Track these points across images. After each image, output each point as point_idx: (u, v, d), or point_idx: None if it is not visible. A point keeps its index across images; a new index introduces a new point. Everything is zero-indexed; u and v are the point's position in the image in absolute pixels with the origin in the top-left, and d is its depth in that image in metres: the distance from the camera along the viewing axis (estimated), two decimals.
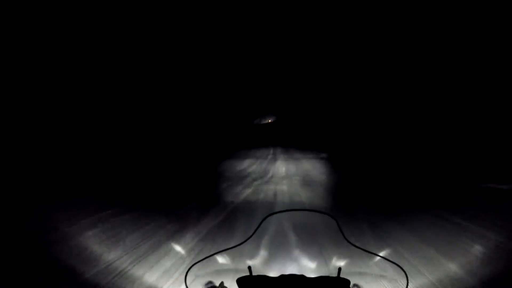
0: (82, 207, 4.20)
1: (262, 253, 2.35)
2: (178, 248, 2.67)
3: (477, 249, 2.55)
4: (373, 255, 1.28)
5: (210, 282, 1.24)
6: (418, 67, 14.09)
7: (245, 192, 5.49)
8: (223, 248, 1.32)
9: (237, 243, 1.23)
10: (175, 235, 3.08)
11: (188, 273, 1.12)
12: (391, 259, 1.19)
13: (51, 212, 3.98)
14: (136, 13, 14.25)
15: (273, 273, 1.14)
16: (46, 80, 11.46)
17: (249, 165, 9.64)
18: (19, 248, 2.72)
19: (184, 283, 1.10)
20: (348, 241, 1.12)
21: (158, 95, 16.87)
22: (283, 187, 5.90)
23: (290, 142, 18.10)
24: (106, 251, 2.59)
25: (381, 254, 1.41)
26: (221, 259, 2.08)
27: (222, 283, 1.14)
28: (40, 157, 9.66)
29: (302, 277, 1.06)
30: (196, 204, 4.57)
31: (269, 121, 16.04)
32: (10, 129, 9.40)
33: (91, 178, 7.48)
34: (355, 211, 4.00)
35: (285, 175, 7.39)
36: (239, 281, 1.06)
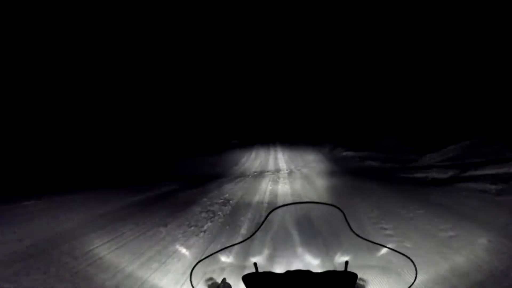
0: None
1: (267, 250, 2.32)
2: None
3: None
4: (380, 246, 1.26)
5: (211, 278, 1.22)
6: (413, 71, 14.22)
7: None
8: (228, 245, 1.30)
9: (242, 240, 1.21)
10: None
11: (194, 272, 1.10)
12: (398, 250, 1.17)
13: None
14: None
15: (279, 269, 1.12)
16: (44, 82, 11.45)
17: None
18: None
19: (190, 282, 1.08)
20: (355, 233, 1.10)
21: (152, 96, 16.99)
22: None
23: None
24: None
25: (389, 245, 1.40)
26: (224, 257, 2.06)
27: (224, 279, 1.12)
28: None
29: (308, 272, 1.04)
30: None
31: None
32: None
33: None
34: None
35: None
36: (245, 278, 1.03)
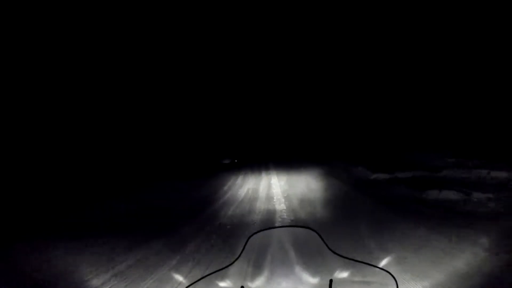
0: None
1: (252, 272, 2.29)
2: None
3: None
4: (360, 263, 1.31)
5: None
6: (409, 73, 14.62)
7: None
8: (213, 271, 1.30)
9: (226, 265, 1.22)
10: None
11: None
12: (379, 266, 1.21)
13: None
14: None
15: None
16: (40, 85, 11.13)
17: None
18: None
19: None
20: (333, 252, 1.15)
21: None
22: None
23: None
24: None
25: (370, 261, 1.44)
26: (219, 282, 2.00)
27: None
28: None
29: None
30: None
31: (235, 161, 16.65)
32: None
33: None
34: None
35: None
36: None
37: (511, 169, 6.02)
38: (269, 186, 8.46)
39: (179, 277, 2.65)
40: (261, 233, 1.26)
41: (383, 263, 2.46)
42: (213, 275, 1.32)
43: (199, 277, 1.30)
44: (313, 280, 2.09)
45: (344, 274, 2.04)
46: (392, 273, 1.15)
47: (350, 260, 1.27)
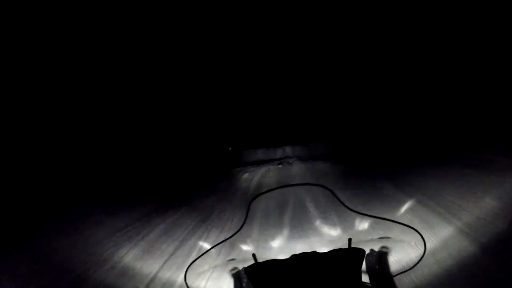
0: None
1: (267, 236, 2.25)
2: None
3: None
4: (382, 219, 1.18)
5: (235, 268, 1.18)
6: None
7: None
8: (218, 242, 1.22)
9: (233, 233, 1.14)
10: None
11: (189, 271, 1.04)
12: (401, 222, 1.09)
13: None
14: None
15: (284, 255, 1.04)
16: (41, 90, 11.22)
17: None
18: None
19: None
20: (349, 208, 1.03)
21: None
22: None
23: None
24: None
25: (392, 217, 1.31)
26: (218, 254, 1.98)
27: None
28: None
29: (314, 253, 0.98)
30: None
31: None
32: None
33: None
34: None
35: None
36: (247, 270, 0.98)
37: None
38: None
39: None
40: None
41: (403, 210, 2.34)
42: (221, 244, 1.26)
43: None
44: (332, 238, 2.01)
45: (363, 231, 1.95)
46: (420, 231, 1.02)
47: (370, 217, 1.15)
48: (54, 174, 7.92)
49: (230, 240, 1.25)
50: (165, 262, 2.36)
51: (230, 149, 17.66)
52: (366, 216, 1.17)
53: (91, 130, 12.74)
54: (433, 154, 5.14)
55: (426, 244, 1.11)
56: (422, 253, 1.03)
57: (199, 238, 2.76)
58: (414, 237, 1.13)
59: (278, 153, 9.41)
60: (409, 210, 2.41)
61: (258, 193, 1.05)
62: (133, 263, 2.42)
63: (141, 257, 2.51)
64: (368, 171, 4.76)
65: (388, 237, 1.72)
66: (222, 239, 1.20)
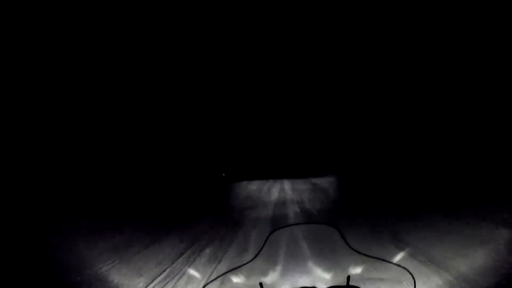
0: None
1: (273, 268, 2.34)
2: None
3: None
4: (379, 260, 1.32)
5: None
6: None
7: None
8: (234, 267, 1.34)
9: (247, 261, 1.26)
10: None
11: None
12: (398, 263, 1.22)
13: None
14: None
15: (286, 286, 1.16)
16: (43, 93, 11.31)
17: None
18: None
19: None
20: (352, 248, 1.16)
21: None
22: None
23: None
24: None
25: (389, 258, 1.43)
26: (235, 278, 2.06)
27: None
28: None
29: None
30: None
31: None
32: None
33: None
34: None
35: None
36: None
37: None
38: None
39: (197, 275, 2.72)
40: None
41: (398, 258, 2.46)
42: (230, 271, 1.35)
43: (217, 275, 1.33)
44: (330, 276, 2.12)
45: (362, 270, 2.06)
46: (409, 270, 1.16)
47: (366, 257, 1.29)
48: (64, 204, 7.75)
49: (239, 268, 1.36)
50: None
51: (224, 175, 17.37)
52: (364, 256, 1.31)
53: (93, 169, 12.55)
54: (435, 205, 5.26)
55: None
56: None
57: (192, 263, 2.82)
58: (406, 278, 1.25)
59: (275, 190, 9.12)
60: (404, 257, 2.54)
61: (275, 229, 1.18)
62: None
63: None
64: (367, 213, 4.88)
65: (382, 278, 1.84)
66: (215, 263, 1.27)
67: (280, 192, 8.59)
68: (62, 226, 4.68)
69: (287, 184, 10.89)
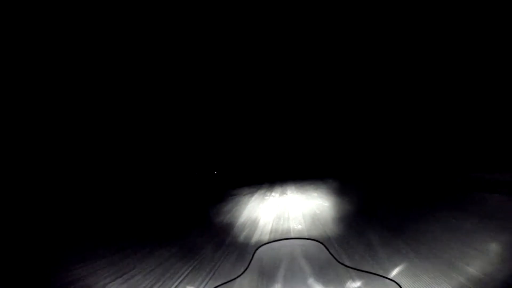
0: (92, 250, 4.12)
1: (263, 285, 2.30)
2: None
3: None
4: (369, 274, 1.33)
5: None
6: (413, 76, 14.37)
7: None
8: (222, 282, 1.34)
9: (234, 277, 1.26)
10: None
11: None
12: (385, 276, 1.23)
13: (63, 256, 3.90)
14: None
15: None
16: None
17: None
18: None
19: None
20: (341, 263, 1.17)
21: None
22: None
23: None
24: None
25: (378, 271, 1.41)
26: None
27: None
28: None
29: None
30: None
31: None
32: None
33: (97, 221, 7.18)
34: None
35: None
36: None
37: None
38: None
39: None
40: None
41: (393, 274, 2.43)
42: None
43: None
44: None
45: (353, 285, 2.03)
46: (400, 284, 1.16)
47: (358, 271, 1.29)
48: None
49: (228, 284, 1.37)
50: None
51: (215, 173, 17.07)
52: (356, 271, 1.31)
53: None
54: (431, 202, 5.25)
55: None
56: None
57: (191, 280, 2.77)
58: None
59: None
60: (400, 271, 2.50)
61: (262, 244, 1.19)
62: None
63: None
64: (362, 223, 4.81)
65: None
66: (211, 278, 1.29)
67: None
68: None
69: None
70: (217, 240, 4.23)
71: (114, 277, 3.10)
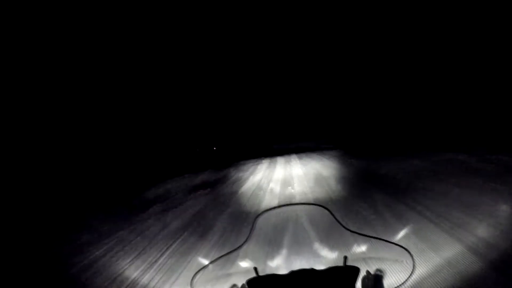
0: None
1: (268, 252, 2.32)
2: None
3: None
4: (376, 239, 1.26)
5: (235, 285, 1.21)
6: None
7: None
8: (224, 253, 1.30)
9: (237, 246, 1.22)
10: None
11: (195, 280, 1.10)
12: (393, 241, 1.17)
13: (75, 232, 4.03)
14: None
15: (283, 270, 1.11)
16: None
17: None
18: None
19: None
20: (346, 228, 1.11)
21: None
22: None
23: None
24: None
25: (386, 236, 1.37)
26: (227, 263, 2.04)
27: (243, 285, 1.11)
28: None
29: (312, 270, 1.04)
30: None
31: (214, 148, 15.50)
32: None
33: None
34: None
35: None
36: (249, 282, 1.05)
37: None
38: None
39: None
40: None
41: (399, 236, 2.40)
42: (224, 256, 1.33)
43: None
44: (329, 256, 2.08)
45: (358, 250, 2.01)
46: (408, 249, 1.10)
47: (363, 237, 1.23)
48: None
49: (233, 253, 1.32)
50: (163, 274, 2.42)
51: (214, 148, 17.00)
52: (361, 236, 1.25)
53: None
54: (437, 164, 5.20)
55: (432, 263, 1.15)
56: (411, 270, 1.10)
57: (198, 250, 2.81)
58: (406, 256, 1.20)
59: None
60: (408, 232, 2.48)
61: (262, 211, 1.13)
62: (134, 275, 2.48)
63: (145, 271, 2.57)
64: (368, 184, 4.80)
65: (381, 257, 1.79)
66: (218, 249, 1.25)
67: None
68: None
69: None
70: (223, 208, 4.29)
71: (123, 250, 3.14)
